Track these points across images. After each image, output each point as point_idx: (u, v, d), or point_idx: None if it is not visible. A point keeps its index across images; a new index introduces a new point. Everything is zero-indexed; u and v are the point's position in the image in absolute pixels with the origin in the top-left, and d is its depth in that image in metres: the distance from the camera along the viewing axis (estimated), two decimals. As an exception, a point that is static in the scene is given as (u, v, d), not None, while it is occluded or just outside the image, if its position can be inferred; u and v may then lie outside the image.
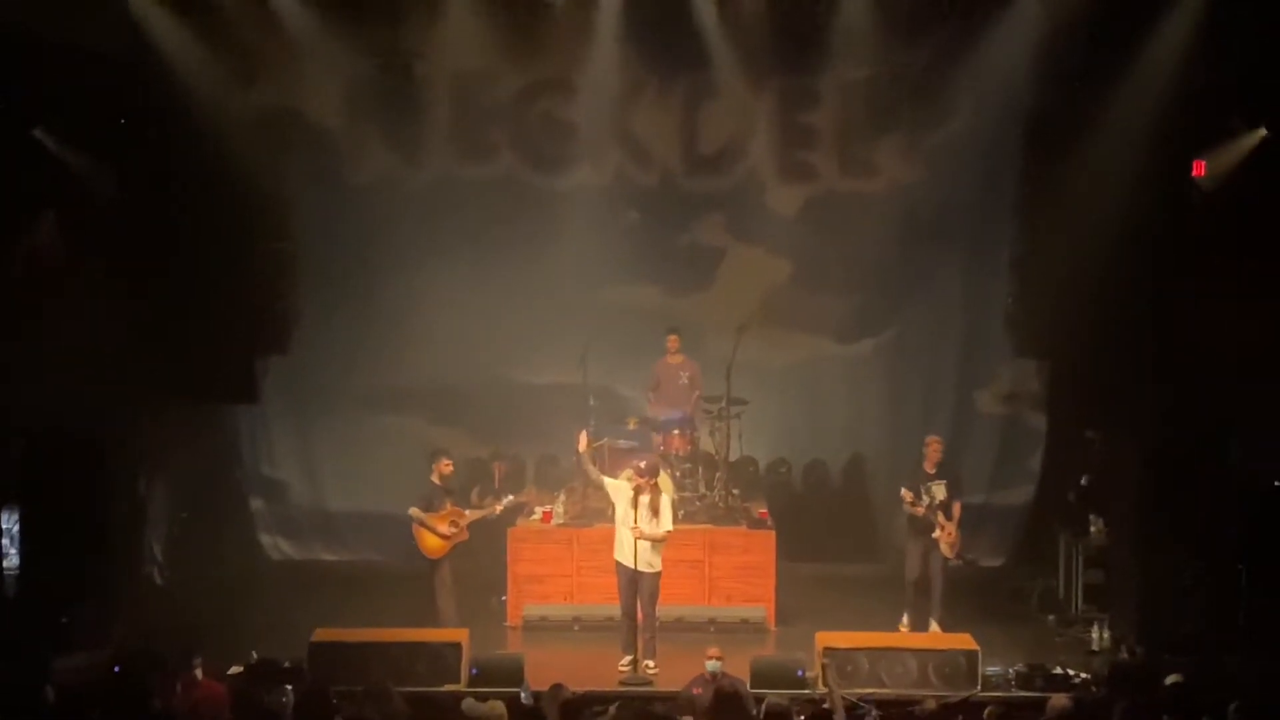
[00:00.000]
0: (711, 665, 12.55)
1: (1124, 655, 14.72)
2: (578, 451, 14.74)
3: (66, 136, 15.58)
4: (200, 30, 16.05)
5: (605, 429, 17.10)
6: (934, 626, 15.37)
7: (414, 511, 15.19)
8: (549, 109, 18.52)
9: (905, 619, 15.63)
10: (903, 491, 15.48)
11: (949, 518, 15.48)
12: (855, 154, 18.62)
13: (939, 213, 18.41)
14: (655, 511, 14.21)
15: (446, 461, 15.48)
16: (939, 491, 15.54)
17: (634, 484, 14.30)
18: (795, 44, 17.65)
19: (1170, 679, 12.33)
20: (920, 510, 15.43)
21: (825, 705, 12.27)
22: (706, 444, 17.45)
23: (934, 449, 15.71)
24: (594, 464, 14.90)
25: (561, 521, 16.42)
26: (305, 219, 17.96)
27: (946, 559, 15.53)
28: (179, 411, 16.95)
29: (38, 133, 15.39)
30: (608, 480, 14.54)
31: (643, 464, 14.48)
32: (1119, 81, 15.79)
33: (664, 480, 15.73)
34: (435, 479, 15.37)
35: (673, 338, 17.49)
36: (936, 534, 15.45)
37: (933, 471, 15.62)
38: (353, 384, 18.68)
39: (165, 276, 16.30)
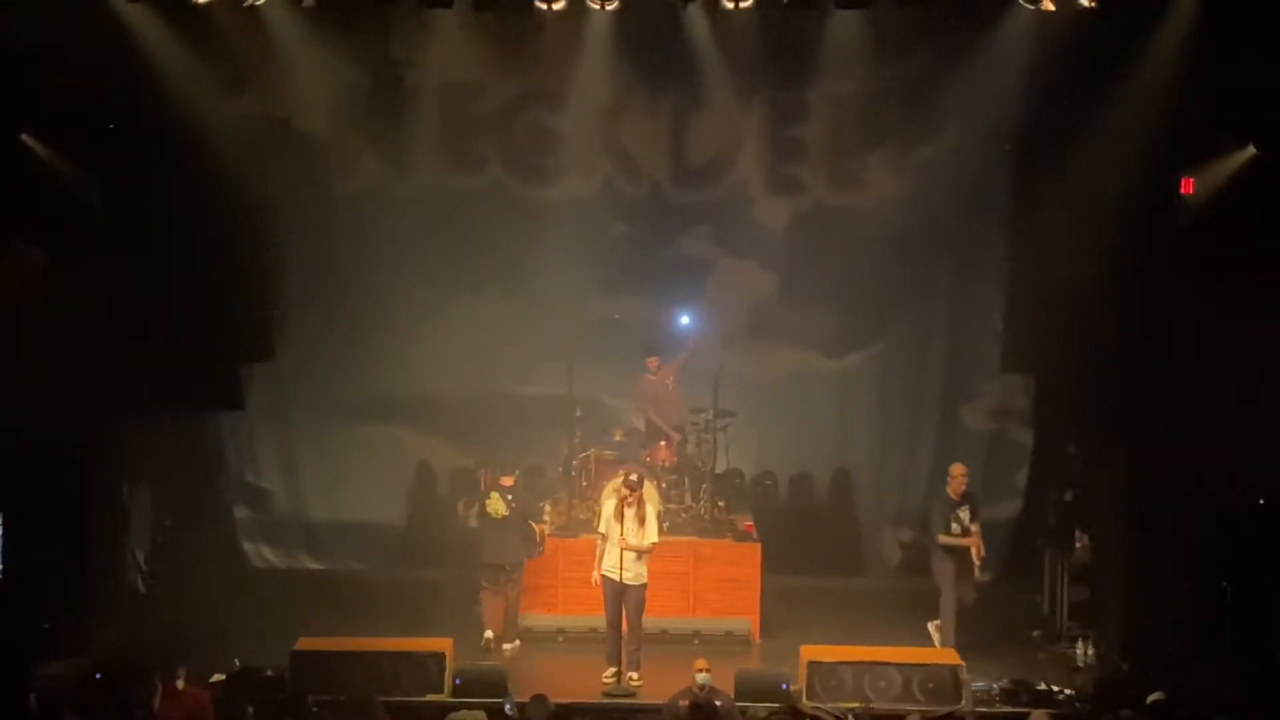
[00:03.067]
0: (702, 678, 12.51)
1: (1109, 669, 14.73)
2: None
3: (54, 142, 15.55)
4: (189, 38, 15.99)
5: (592, 440, 17.13)
6: (935, 638, 15.26)
7: (541, 506, 15.80)
8: (538, 120, 18.50)
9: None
10: (941, 539, 15.26)
11: (974, 535, 15.42)
12: (844, 168, 18.63)
13: (927, 227, 18.42)
14: (641, 522, 14.22)
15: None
16: (965, 516, 15.38)
17: (620, 495, 14.30)
18: (785, 57, 17.62)
19: (1153, 697, 12.34)
20: (966, 542, 15.26)
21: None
22: (693, 455, 17.44)
23: (960, 478, 15.42)
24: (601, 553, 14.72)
25: (547, 532, 16.38)
26: (293, 227, 17.92)
27: (975, 579, 15.42)
28: (163, 418, 16.88)
29: (25, 138, 15.36)
30: (601, 524, 14.57)
31: (633, 476, 14.48)
32: (1108, 99, 15.81)
33: (650, 491, 15.71)
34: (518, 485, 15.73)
35: (652, 360, 17.50)
36: (973, 556, 15.31)
37: (958, 499, 15.39)
38: (339, 392, 18.64)
39: (151, 283, 16.26)
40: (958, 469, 15.58)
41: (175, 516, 17.51)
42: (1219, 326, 14.91)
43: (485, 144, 18.59)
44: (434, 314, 18.43)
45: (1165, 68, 15.33)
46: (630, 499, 14.23)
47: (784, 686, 13.60)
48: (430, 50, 17.45)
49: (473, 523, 15.69)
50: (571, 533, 16.29)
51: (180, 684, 12.17)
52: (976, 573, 15.38)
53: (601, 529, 14.49)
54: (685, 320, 18.01)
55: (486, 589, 15.47)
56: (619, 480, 14.79)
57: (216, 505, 18.48)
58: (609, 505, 14.47)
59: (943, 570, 15.38)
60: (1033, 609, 16.85)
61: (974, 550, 15.31)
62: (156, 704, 11.88)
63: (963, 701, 13.42)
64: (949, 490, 15.43)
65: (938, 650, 14.40)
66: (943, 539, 15.29)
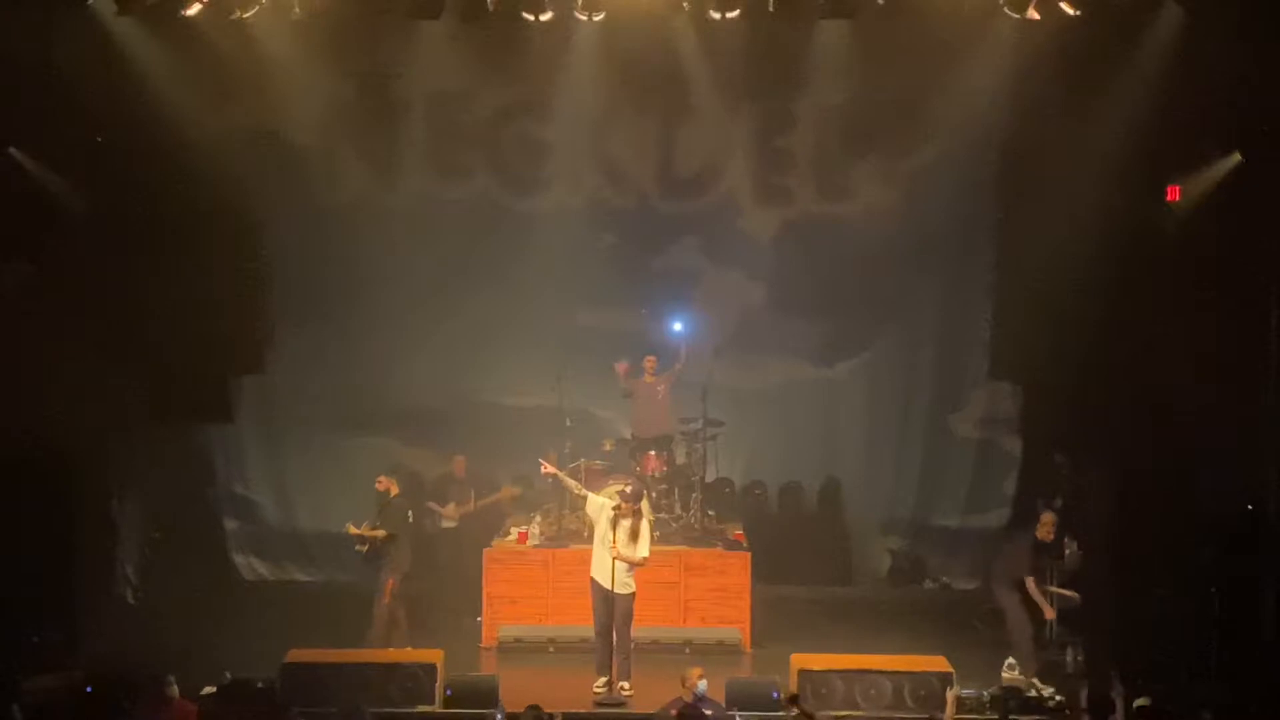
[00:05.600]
0: (701, 686, 12.47)
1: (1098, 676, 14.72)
2: (549, 475, 14.88)
3: (42, 155, 15.55)
4: (178, 50, 16.03)
5: (581, 450, 17.13)
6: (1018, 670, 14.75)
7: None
8: (525, 130, 18.53)
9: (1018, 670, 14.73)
10: (1031, 585, 14.58)
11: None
12: (832, 178, 18.66)
13: (915, 237, 18.46)
14: (634, 536, 14.17)
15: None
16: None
17: (615, 506, 14.25)
18: (772, 68, 17.70)
19: (1138, 702, 12.34)
20: (1044, 604, 14.63)
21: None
22: (682, 464, 17.45)
23: (1049, 524, 14.74)
24: (570, 477, 14.95)
25: (537, 542, 16.40)
26: (281, 238, 17.96)
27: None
28: (152, 431, 16.90)
29: (13, 151, 15.36)
30: (591, 496, 14.51)
31: (628, 489, 14.46)
32: (1093, 107, 15.88)
33: (645, 506, 15.70)
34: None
35: (650, 359, 17.49)
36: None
37: (1050, 543, 14.77)
38: (327, 404, 18.65)
39: (139, 295, 16.26)
40: (1050, 517, 14.83)
41: (164, 529, 17.51)
42: (1206, 333, 14.96)
43: (473, 155, 18.62)
44: (422, 325, 18.43)
45: (1150, 76, 15.41)
46: (625, 511, 14.18)
47: (774, 695, 13.59)
48: (418, 61, 17.49)
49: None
50: (561, 543, 16.29)
51: (171, 695, 12.17)
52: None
53: (591, 510, 14.38)
54: (678, 327, 17.99)
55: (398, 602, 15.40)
56: (613, 489, 14.79)
57: (206, 517, 18.48)
58: (606, 506, 14.33)
59: (1013, 605, 14.78)
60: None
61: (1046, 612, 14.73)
62: (146, 717, 11.90)
63: (944, 712, 13.37)
64: (1039, 534, 14.69)
65: (928, 658, 14.32)
66: (1033, 586, 14.56)
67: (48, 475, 15.20)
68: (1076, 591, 16.12)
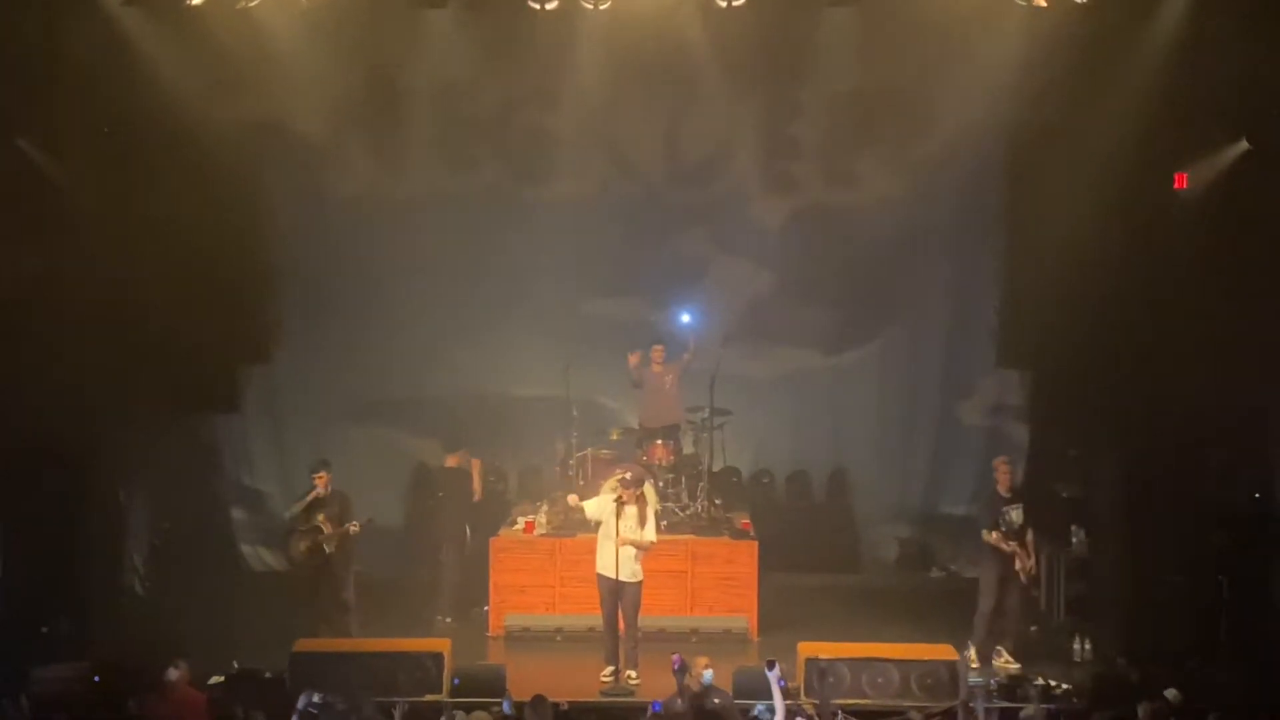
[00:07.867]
0: (708, 675, 12.46)
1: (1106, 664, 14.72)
2: (576, 509, 14.83)
3: (49, 146, 15.56)
4: (184, 40, 16.02)
5: (588, 440, 17.13)
6: (1005, 657, 14.88)
7: None
8: (532, 120, 18.48)
9: (973, 651, 14.91)
10: (990, 536, 14.70)
11: (1023, 542, 14.85)
12: (840, 166, 18.61)
13: (923, 225, 18.44)
14: (641, 521, 14.18)
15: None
16: (1016, 516, 14.88)
17: (617, 495, 14.25)
18: (780, 56, 17.67)
19: (1169, 694, 12.29)
20: (1010, 546, 14.70)
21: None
22: (690, 453, 17.45)
23: (1005, 472, 14.96)
24: (579, 477, 14.97)
25: (544, 532, 16.40)
26: (288, 230, 17.99)
27: (1024, 587, 15.03)
28: (160, 421, 16.92)
29: (20, 142, 15.37)
30: (587, 505, 14.48)
31: (627, 475, 14.45)
32: (1101, 94, 15.84)
33: (648, 491, 15.70)
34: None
35: (658, 349, 17.45)
36: (1017, 565, 14.78)
37: (1008, 495, 14.94)
38: (334, 394, 18.65)
39: (147, 286, 16.28)
40: (1002, 463, 15.07)
41: (172, 519, 17.53)
42: (1214, 320, 14.93)
43: (480, 145, 18.58)
44: (429, 315, 18.42)
45: (1157, 63, 15.37)
46: (627, 498, 14.18)
47: (781, 684, 13.49)
48: (424, 51, 17.45)
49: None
50: (569, 532, 16.27)
51: (178, 684, 12.18)
52: (1023, 577, 14.86)
53: (591, 514, 14.38)
54: (686, 318, 17.96)
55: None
56: (611, 481, 14.79)
57: (213, 508, 18.47)
58: (606, 498, 14.35)
59: (985, 573, 14.97)
60: (1030, 604, 16.80)
61: (1021, 568, 14.79)
62: (153, 706, 11.92)
63: (961, 694, 13.39)
64: (998, 486, 14.96)
65: (935, 646, 14.29)
66: (987, 537, 14.79)
67: (56, 466, 15.22)
68: (1085, 580, 16.18)
